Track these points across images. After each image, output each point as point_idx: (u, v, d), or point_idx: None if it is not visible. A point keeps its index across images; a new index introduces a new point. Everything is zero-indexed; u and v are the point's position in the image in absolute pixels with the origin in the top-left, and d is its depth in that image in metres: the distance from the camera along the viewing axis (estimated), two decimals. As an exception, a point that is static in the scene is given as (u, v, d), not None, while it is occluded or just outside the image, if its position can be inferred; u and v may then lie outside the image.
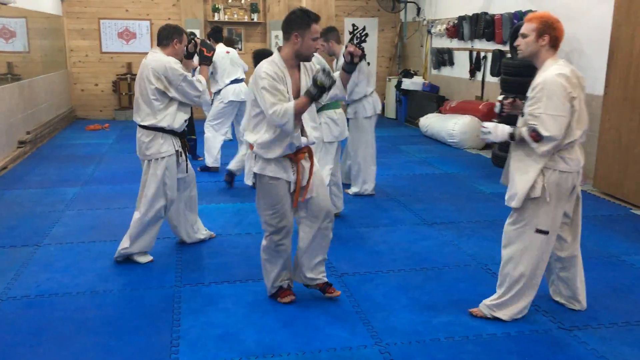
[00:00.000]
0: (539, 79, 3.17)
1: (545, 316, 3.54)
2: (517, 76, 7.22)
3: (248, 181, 3.53)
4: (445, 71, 10.57)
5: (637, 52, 5.73)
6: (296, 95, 3.34)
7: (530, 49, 3.24)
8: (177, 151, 4.28)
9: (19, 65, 8.68)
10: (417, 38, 11.85)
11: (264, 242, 3.63)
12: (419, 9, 11.60)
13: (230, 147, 7.96)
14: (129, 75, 11.66)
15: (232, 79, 7.21)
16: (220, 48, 7.33)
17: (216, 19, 11.70)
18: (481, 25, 9.08)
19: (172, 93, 4.15)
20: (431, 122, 9.53)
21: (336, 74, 3.41)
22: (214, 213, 5.58)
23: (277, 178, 3.38)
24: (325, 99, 3.39)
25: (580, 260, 3.54)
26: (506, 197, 3.36)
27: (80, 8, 11.43)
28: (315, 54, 4.50)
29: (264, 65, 3.29)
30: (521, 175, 3.23)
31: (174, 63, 4.16)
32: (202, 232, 4.82)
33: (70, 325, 3.40)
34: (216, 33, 7.60)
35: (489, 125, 3.34)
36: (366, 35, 12.60)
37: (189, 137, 7.80)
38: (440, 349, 3.18)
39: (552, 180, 3.19)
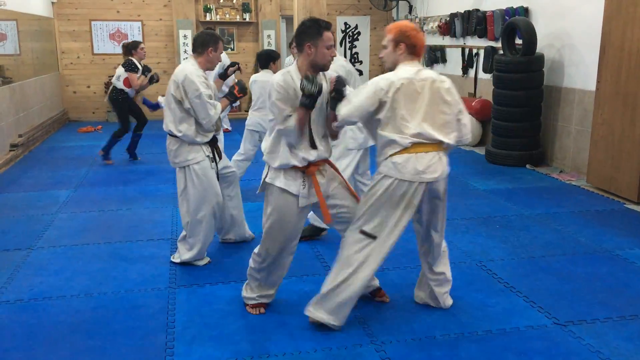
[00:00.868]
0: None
1: (540, 312, 3.55)
2: (510, 72, 7.24)
3: (258, 190, 3.47)
4: (438, 68, 10.57)
5: (629, 47, 5.74)
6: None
7: (390, 59, 3.25)
8: (207, 157, 4.20)
9: (10, 68, 8.63)
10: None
11: (257, 251, 3.49)
12: (410, 7, 11.60)
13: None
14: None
15: None
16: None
17: (208, 19, 11.67)
18: (473, 22, 9.08)
19: (187, 105, 4.05)
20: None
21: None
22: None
23: (285, 190, 3.27)
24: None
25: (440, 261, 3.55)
26: None
27: (71, 10, 11.38)
28: (343, 63, 4.46)
29: (278, 77, 3.25)
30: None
31: (195, 76, 4.02)
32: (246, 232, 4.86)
33: (64, 328, 3.39)
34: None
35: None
36: (358, 33, 12.60)
37: (136, 133, 7.90)
38: (436, 346, 3.17)
39: (381, 185, 3.17)
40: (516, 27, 7.33)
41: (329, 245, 4.58)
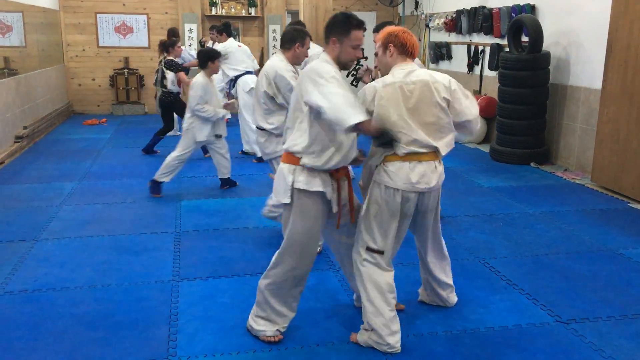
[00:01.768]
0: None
1: (543, 309, 3.55)
2: (515, 70, 7.22)
3: (286, 199, 3.01)
4: (444, 65, 10.55)
5: (635, 45, 5.72)
6: None
7: (383, 63, 3.13)
8: None
9: (16, 60, 8.65)
10: (415, 32, 11.81)
11: (276, 272, 3.09)
12: (417, 3, 11.57)
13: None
14: (126, 70, 11.63)
15: (248, 69, 7.82)
16: (232, 41, 7.75)
17: (213, 13, 11.66)
18: (479, 19, 9.06)
19: (280, 100, 4.25)
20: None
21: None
22: (211, 208, 5.57)
23: (321, 195, 2.98)
24: None
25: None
26: None
27: (77, 2, 11.38)
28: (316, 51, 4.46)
29: (324, 65, 2.92)
30: None
31: (285, 71, 4.19)
32: None
33: (68, 320, 3.40)
34: (227, 28, 7.94)
35: None
36: (364, 30, 12.56)
37: (158, 137, 7.97)
38: (438, 342, 3.18)
39: (375, 194, 3.04)
40: (523, 24, 7.30)
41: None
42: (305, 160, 2.92)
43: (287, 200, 2.99)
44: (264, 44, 11.93)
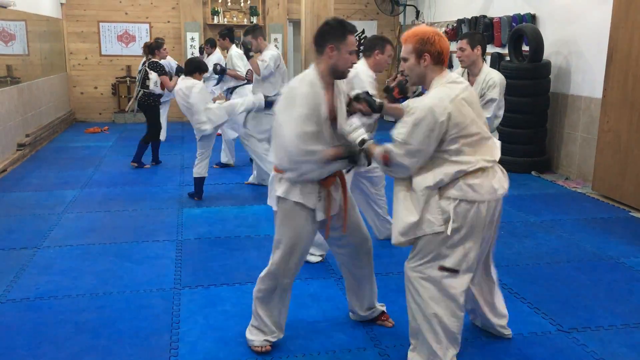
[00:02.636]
0: (416, 103, 2.76)
1: (544, 318, 3.55)
2: (516, 79, 7.23)
3: (274, 206, 3.06)
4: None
5: (636, 54, 5.74)
6: (330, 116, 2.91)
7: (415, 73, 2.82)
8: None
9: (19, 68, 8.69)
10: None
11: (264, 277, 3.10)
12: (418, 12, 11.62)
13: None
14: (128, 78, 11.68)
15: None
16: (235, 49, 7.60)
17: (215, 22, 11.72)
18: (480, 29, 9.09)
19: None
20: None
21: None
22: (213, 216, 5.58)
23: (301, 204, 2.95)
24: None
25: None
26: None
27: (79, 11, 11.45)
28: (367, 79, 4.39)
29: (302, 87, 2.85)
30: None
31: (364, 75, 4.27)
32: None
33: (70, 328, 3.40)
34: (231, 33, 7.78)
35: (354, 121, 3.10)
36: (365, 38, 12.62)
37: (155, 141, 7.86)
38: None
39: (459, 213, 2.73)
40: (523, 33, 7.33)
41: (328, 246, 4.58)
42: (286, 172, 2.95)
43: (275, 208, 3.05)
44: (266, 52, 11.97)
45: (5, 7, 7.86)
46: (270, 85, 6.13)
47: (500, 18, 8.53)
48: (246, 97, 6.41)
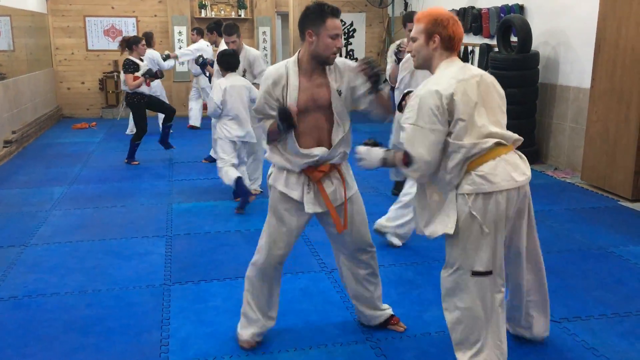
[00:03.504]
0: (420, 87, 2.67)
1: (535, 309, 3.55)
2: (505, 70, 7.23)
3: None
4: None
5: (623, 44, 5.75)
6: (305, 104, 2.85)
7: (422, 54, 2.68)
8: None
9: (4, 64, 8.59)
10: (405, 34, 11.83)
11: (251, 262, 3.15)
12: (406, 4, 11.59)
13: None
14: (115, 73, 11.58)
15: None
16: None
17: (203, 15, 11.64)
18: (468, 20, 9.08)
19: None
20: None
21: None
22: (203, 211, 5.55)
23: (286, 195, 2.96)
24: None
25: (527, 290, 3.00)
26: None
27: (65, 6, 11.33)
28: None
29: (270, 68, 2.97)
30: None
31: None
32: None
33: (58, 326, 3.37)
34: (219, 27, 7.48)
35: (362, 150, 2.83)
36: (354, 30, 12.57)
37: (166, 125, 7.75)
38: (431, 343, 3.18)
39: (467, 211, 2.56)
40: (512, 24, 7.33)
41: (324, 241, 4.57)
42: (267, 156, 3.05)
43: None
44: (254, 46, 11.91)
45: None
46: None
47: (488, 9, 8.53)
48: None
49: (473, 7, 8.99)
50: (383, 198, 5.84)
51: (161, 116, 9.85)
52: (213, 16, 11.66)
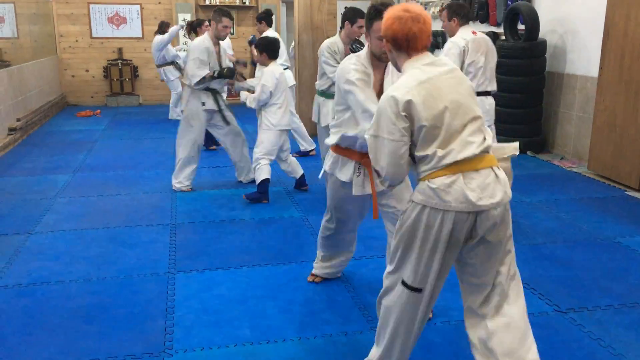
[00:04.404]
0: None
1: (541, 299, 3.53)
2: (512, 58, 7.18)
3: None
4: (439, 54, 10.49)
5: (632, 33, 5.69)
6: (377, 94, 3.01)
7: (390, 57, 2.52)
8: None
9: (8, 52, 8.58)
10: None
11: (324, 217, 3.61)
12: (412, -8, 11.50)
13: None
14: (120, 61, 11.56)
15: (284, 64, 7.13)
16: (272, 32, 7.16)
17: (207, 2, 11.58)
18: (475, 7, 9.00)
19: None
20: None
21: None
22: (207, 199, 5.54)
23: (336, 177, 3.27)
24: None
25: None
26: None
27: (69, -8, 11.28)
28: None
29: (350, 59, 3.10)
30: None
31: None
32: None
33: (63, 313, 3.37)
34: (268, 17, 7.31)
35: None
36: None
37: None
38: (436, 332, 3.17)
39: (413, 218, 2.34)
40: (519, 12, 7.26)
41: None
42: (329, 140, 3.31)
43: (319, 176, 3.57)
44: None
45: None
46: None
47: (495, -4, 8.44)
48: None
49: (480, -5, 8.90)
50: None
51: (171, 105, 9.84)
52: (218, 3, 11.60)
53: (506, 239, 2.39)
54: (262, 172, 5.37)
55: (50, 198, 5.57)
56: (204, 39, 5.60)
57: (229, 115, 5.79)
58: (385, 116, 2.30)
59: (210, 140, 7.32)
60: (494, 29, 8.60)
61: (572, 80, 7.05)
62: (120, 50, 11.58)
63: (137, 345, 3.05)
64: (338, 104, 3.16)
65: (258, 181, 5.39)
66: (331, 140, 3.24)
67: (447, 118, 2.27)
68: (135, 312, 3.38)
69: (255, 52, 5.80)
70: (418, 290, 2.38)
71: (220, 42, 5.73)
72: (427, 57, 2.40)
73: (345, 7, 5.13)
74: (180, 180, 5.77)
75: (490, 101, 5.29)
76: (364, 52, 3.08)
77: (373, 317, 3.30)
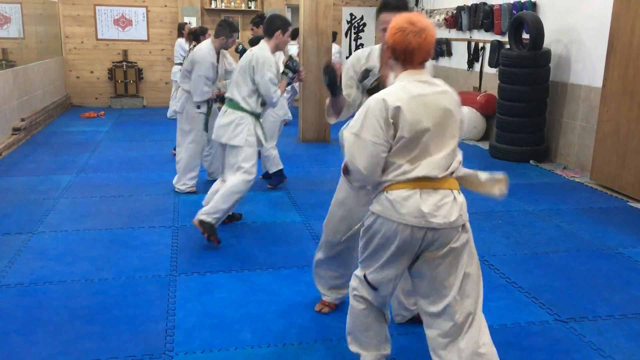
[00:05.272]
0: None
1: (542, 308, 3.53)
2: (516, 67, 7.20)
3: None
4: (443, 62, 10.52)
5: (637, 43, 5.70)
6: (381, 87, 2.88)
7: (390, 63, 2.52)
8: None
9: (14, 52, 8.61)
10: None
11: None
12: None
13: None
14: (124, 63, 11.59)
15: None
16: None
17: (213, 6, 11.62)
18: (480, 16, 9.03)
19: None
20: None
21: None
22: (209, 202, 5.55)
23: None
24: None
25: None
26: None
27: (75, -6, 11.33)
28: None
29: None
30: None
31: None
32: None
33: (64, 314, 3.38)
34: (263, 21, 7.33)
35: None
36: (364, 24, 12.53)
37: None
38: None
39: (371, 227, 2.42)
40: (524, 21, 7.28)
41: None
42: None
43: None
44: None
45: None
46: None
47: (500, 5, 8.47)
48: None
49: (485, 3, 8.93)
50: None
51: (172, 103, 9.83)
52: (223, 7, 11.65)
53: (460, 266, 2.43)
54: (277, 164, 5.97)
55: (53, 198, 5.58)
56: (208, 52, 5.57)
57: (211, 124, 5.76)
58: (372, 118, 2.31)
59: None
60: (498, 37, 8.63)
61: (576, 90, 7.06)
62: (125, 52, 11.62)
63: (138, 346, 3.05)
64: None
65: (273, 171, 5.99)
66: None
67: (425, 138, 2.31)
68: (136, 314, 3.39)
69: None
70: (374, 288, 2.53)
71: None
72: (422, 73, 2.40)
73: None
74: (184, 182, 5.81)
75: None
76: (378, 46, 3.06)
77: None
